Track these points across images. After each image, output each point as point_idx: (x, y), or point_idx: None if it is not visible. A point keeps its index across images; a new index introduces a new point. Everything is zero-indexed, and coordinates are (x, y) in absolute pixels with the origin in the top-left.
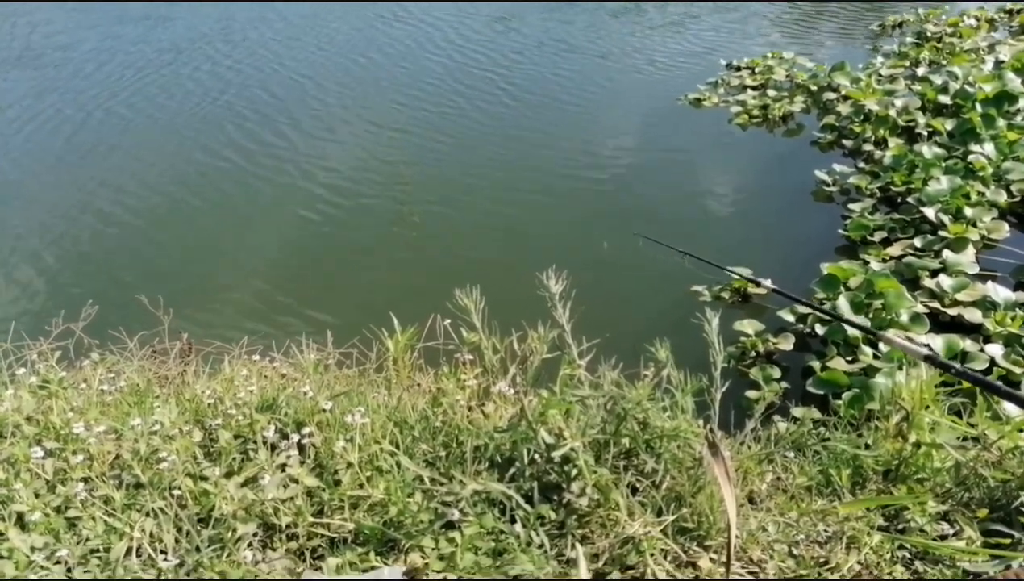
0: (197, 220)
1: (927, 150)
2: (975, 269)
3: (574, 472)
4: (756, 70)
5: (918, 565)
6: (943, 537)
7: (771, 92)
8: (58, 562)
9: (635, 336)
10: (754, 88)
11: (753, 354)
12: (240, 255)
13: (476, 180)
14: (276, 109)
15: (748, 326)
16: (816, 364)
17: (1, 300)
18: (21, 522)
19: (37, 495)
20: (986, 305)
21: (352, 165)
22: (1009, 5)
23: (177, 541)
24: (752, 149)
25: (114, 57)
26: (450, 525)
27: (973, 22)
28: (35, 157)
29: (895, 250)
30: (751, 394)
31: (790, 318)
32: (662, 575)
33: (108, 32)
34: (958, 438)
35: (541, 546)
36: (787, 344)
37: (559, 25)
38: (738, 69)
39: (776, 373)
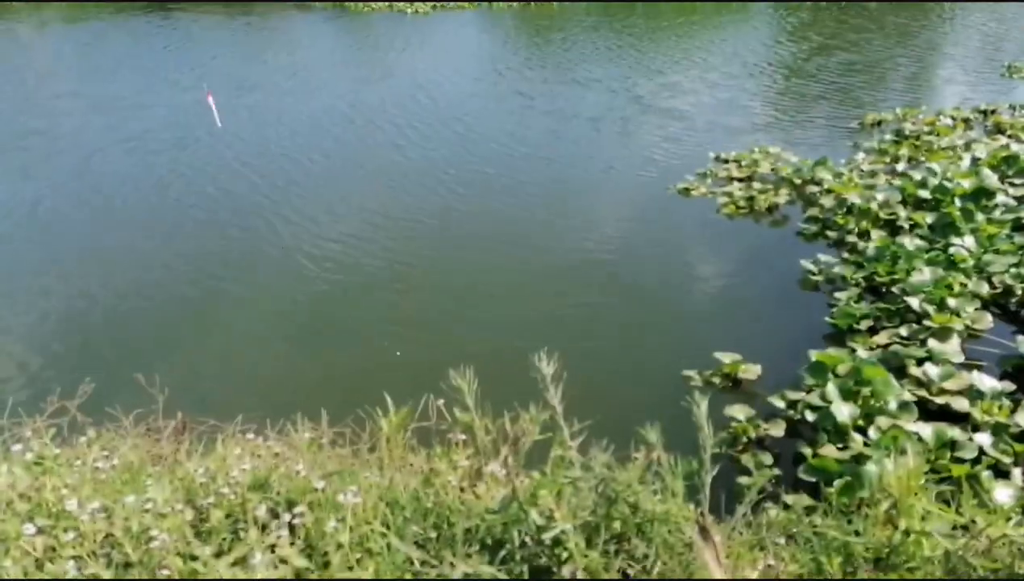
0: (193, 300)
1: (909, 242)
2: (960, 358)
3: (565, 555)
4: (743, 163)
5: None
6: None
7: (756, 184)
8: None
9: (626, 419)
10: (740, 180)
11: (744, 440)
12: (236, 335)
13: (469, 263)
14: (267, 193)
15: (739, 411)
16: (807, 451)
17: None
18: None
19: (26, 573)
20: (973, 394)
21: (346, 246)
22: (983, 105)
23: None
24: (739, 238)
25: (100, 137)
26: None
27: (949, 121)
28: (29, 238)
29: (882, 338)
30: (743, 480)
31: (780, 404)
32: None
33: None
34: (954, 528)
35: None
36: (778, 430)
37: (553, 114)
38: (725, 161)
39: (768, 459)
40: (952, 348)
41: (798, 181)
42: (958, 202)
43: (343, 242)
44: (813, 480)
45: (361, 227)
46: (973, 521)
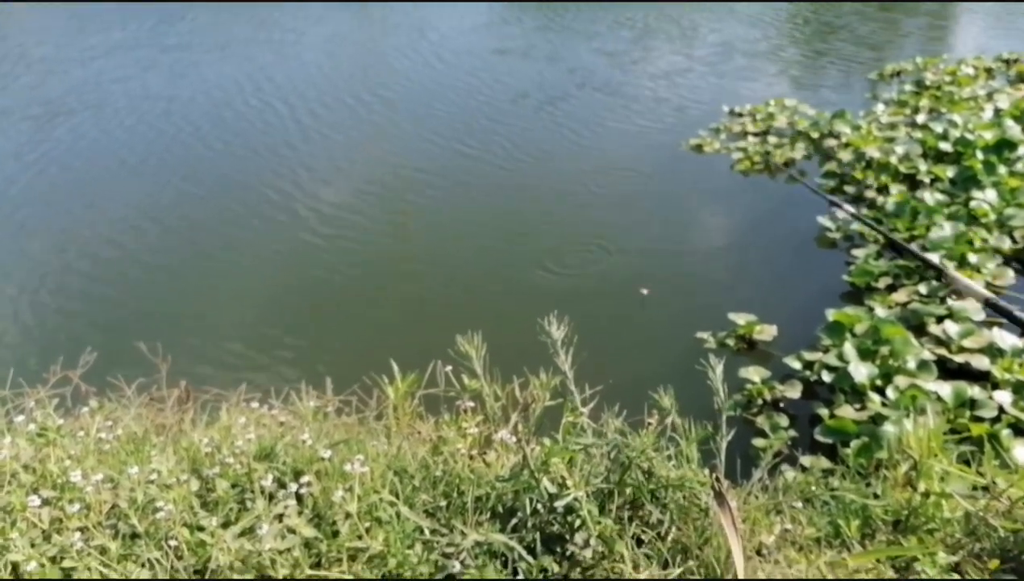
0: (195, 266)
1: (929, 197)
2: (981, 316)
3: (578, 523)
4: (758, 116)
5: None
6: None
7: (772, 138)
8: None
9: (638, 383)
10: (755, 134)
11: (760, 402)
12: (238, 302)
13: (477, 220)
14: (273, 151)
15: (754, 373)
16: (824, 412)
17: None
18: (16, 572)
19: (33, 544)
20: (993, 352)
21: (352, 209)
22: (1006, 54)
23: None
24: (754, 195)
25: (108, 99)
26: (451, 577)
27: (971, 71)
28: (29, 203)
29: (900, 296)
30: (758, 442)
31: (796, 365)
32: None
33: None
34: (973, 488)
35: None
36: (794, 392)
37: (564, 68)
38: (740, 115)
39: (783, 421)
40: (972, 305)
41: (815, 135)
42: (980, 155)
43: (349, 202)
44: (830, 442)
45: (369, 186)
46: (994, 482)
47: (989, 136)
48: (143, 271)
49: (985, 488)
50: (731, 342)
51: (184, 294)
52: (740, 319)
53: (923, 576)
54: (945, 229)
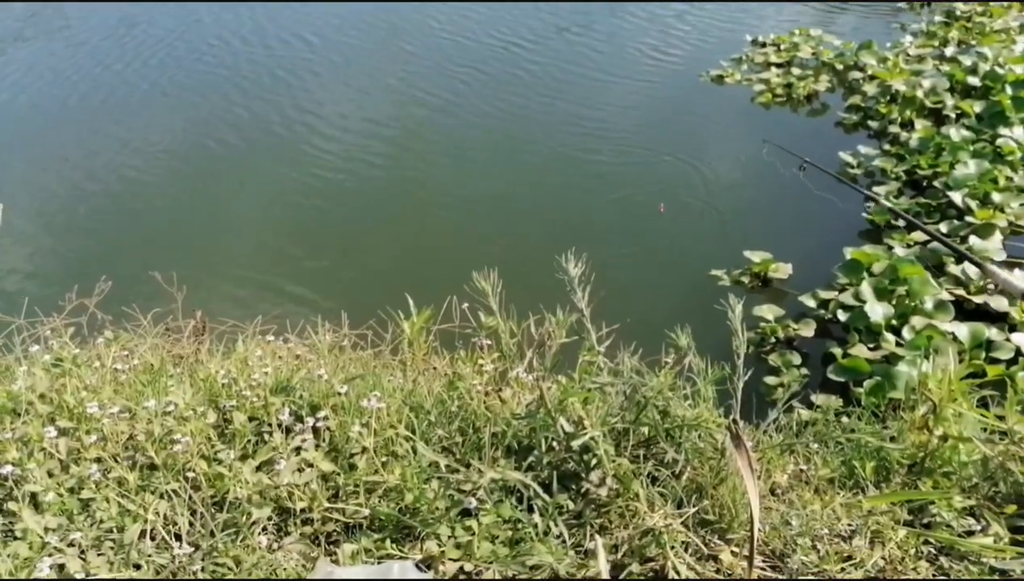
0: (212, 196)
1: (955, 133)
2: (1002, 256)
3: (593, 461)
4: (781, 47)
5: (943, 561)
6: (969, 533)
7: (796, 70)
8: (71, 544)
9: (654, 321)
10: (778, 66)
11: (773, 340)
12: (253, 233)
13: (495, 158)
14: (290, 84)
15: (768, 312)
16: (837, 351)
17: (14, 275)
18: (35, 502)
19: (51, 475)
20: None
21: (369, 142)
22: None
23: (191, 525)
24: (775, 129)
25: (131, 31)
26: (467, 513)
27: (1004, 1)
28: (46, 130)
29: (920, 235)
30: (770, 380)
31: (811, 303)
32: (683, 568)
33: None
34: (985, 431)
35: (559, 536)
36: (808, 330)
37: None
38: (763, 45)
39: (796, 360)
40: (994, 245)
41: (840, 66)
42: (1009, 90)
43: (362, 131)
44: (842, 380)
45: (385, 111)
46: (1013, 427)
47: (1020, 70)
48: (157, 202)
49: (1004, 433)
50: (745, 279)
51: (199, 226)
52: (755, 257)
53: (938, 519)
54: (970, 167)
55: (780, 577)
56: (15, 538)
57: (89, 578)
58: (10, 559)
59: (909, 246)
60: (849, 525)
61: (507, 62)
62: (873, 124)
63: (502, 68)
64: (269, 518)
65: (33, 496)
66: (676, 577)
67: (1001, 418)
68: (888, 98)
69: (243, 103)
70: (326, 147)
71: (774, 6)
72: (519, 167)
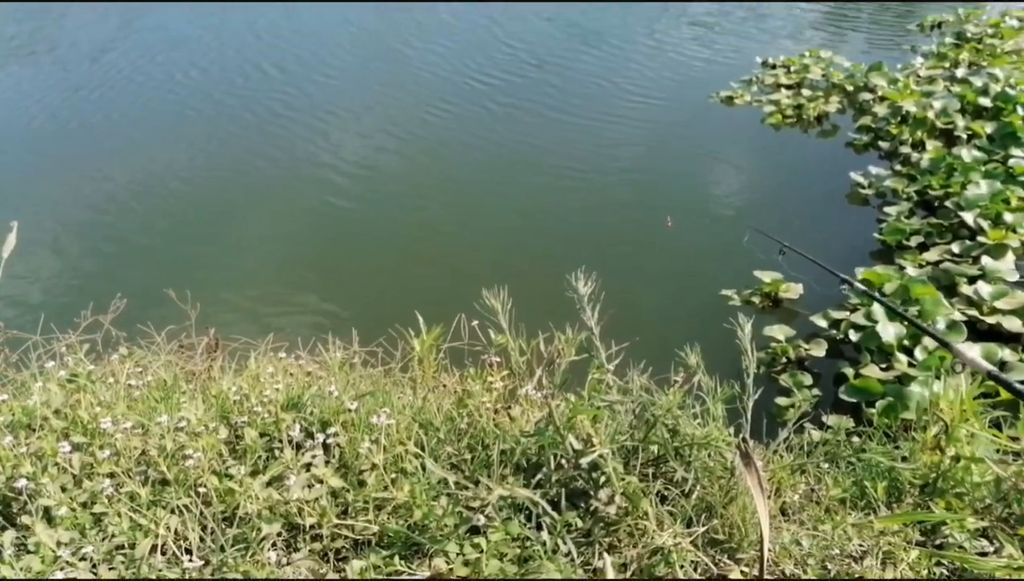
0: (226, 216)
1: (966, 153)
2: (1015, 276)
3: (602, 479)
4: (791, 68)
5: None
6: (983, 554)
7: (806, 91)
8: (83, 558)
9: (663, 340)
10: (788, 87)
11: (784, 360)
12: (267, 252)
13: (505, 177)
14: (303, 106)
15: (779, 331)
16: (849, 371)
17: (31, 292)
18: (48, 516)
19: (64, 489)
20: None
21: (378, 163)
22: None
23: (202, 540)
24: (785, 150)
25: (136, 48)
26: (475, 530)
27: (1015, 23)
28: (59, 151)
29: (932, 255)
30: (781, 401)
31: (823, 323)
32: None
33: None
34: (997, 451)
35: (568, 554)
36: (819, 350)
37: (592, 20)
38: (773, 67)
39: (807, 380)
40: (1006, 265)
41: (850, 87)
42: (1020, 111)
43: (373, 151)
44: (854, 401)
45: (392, 137)
46: None
47: None
48: (172, 220)
49: (1016, 454)
50: (756, 299)
51: (214, 245)
52: (765, 277)
53: (950, 540)
54: (981, 187)
55: None
56: (28, 552)
57: None
58: (23, 572)
59: (921, 266)
60: (860, 546)
61: (523, 86)
62: (884, 145)
63: (523, 94)
64: (279, 534)
65: (46, 510)
66: None
67: (1014, 439)
68: (899, 119)
69: (257, 129)
70: (340, 169)
71: (786, 28)
72: (529, 185)
